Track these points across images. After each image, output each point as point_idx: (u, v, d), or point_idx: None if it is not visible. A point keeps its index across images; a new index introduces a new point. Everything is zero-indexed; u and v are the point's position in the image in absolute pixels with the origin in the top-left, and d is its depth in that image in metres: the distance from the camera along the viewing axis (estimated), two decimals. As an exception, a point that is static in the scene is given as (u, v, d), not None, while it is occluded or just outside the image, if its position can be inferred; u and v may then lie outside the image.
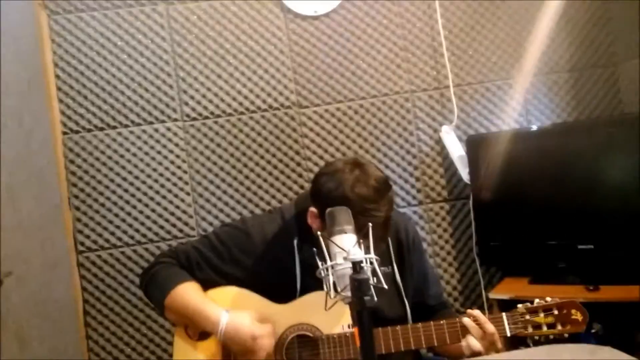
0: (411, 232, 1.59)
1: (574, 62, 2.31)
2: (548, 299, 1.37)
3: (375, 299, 0.93)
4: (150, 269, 1.55)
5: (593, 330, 1.84)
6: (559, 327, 1.34)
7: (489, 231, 2.16)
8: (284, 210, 1.57)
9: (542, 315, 1.35)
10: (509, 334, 1.36)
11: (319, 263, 1.04)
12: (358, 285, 0.93)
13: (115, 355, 2.16)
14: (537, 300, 1.37)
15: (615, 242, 1.91)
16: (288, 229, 1.51)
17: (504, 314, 1.37)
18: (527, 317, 1.35)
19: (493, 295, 1.99)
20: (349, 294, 0.96)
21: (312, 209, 1.42)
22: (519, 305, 1.38)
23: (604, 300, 1.80)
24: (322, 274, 1.02)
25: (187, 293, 1.46)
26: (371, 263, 0.99)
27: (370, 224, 1.12)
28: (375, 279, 0.97)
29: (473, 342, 1.34)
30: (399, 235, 1.56)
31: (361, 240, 1.02)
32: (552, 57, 2.31)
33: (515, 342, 1.82)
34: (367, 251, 1.00)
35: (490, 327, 1.34)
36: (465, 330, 1.37)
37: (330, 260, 1.02)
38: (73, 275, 2.13)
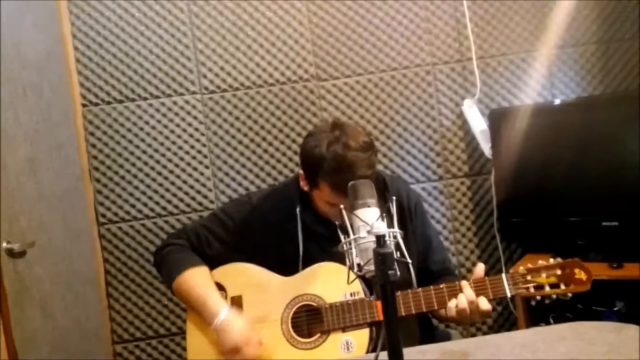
0: (413, 198, 1.60)
1: (601, 34, 2.24)
2: (551, 260, 1.34)
3: (398, 273, 0.92)
4: (162, 250, 1.60)
5: (616, 308, 1.82)
6: (562, 287, 1.32)
7: (511, 207, 2.13)
8: (287, 180, 1.65)
9: (544, 275, 1.33)
10: (509, 295, 1.35)
11: (342, 237, 1.03)
12: (382, 259, 0.92)
13: (136, 325, 2.20)
14: (540, 261, 1.35)
15: (641, 219, 1.87)
16: (290, 196, 1.54)
17: (503, 274, 1.36)
18: (529, 277, 1.33)
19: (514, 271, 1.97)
20: (371, 267, 0.95)
21: (300, 171, 1.48)
22: (520, 267, 1.36)
23: (627, 278, 1.77)
24: (345, 248, 1.01)
25: (193, 280, 1.50)
26: (395, 237, 0.99)
27: (394, 198, 1.11)
28: (398, 252, 0.96)
29: (461, 298, 1.34)
30: (401, 201, 1.57)
31: (384, 214, 1.01)
32: (579, 29, 2.23)
33: (535, 319, 1.82)
34: (390, 225, 0.99)
35: (484, 304, 1.33)
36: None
37: (353, 233, 1.01)
38: (95, 246, 2.16)
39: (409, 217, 1.57)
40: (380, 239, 0.94)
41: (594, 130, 2.01)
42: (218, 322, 1.42)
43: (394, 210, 1.04)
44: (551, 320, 1.84)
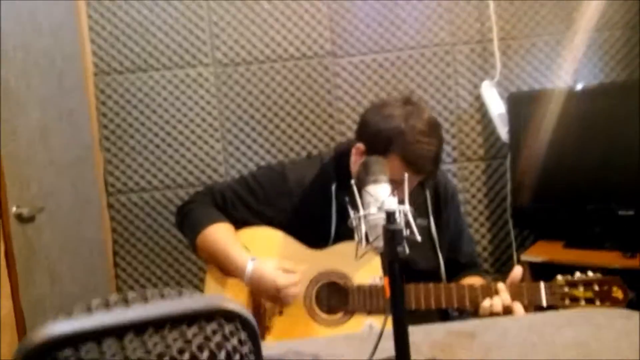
0: (450, 188, 1.57)
1: (628, 19, 2.17)
2: (590, 273, 1.31)
3: (407, 250, 0.90)
4: (186, 206, 1.56)
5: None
6: (598, 303, 1.28)
7: (525, 193, 2.09)
8: (323, 156, 1.56)
9: (581, 289, 1.29)
10: (544, 304, 1.31)
11: (351, 212, 1.01)
12: (391, 235, 0.90)
13: (143, 296, 2.21)
14: (577, 274, 1.31)
15: (659, 209, 1.83)
16: (326, 174, 1.49)
17: (542, 283, 1.32)
18: (566, 289, 1.29)
19: (525, 257, 1.94)
20: (381, 243, 0.94)
21: (359, 145, 1.40)
22: (559, 277, 1.32)
23: (641, 268, 1.74)
24: (354, 223, 0.99)
25: (218, 234, 1.46)
26: (405, 214, 0.96)
27: (406, 175, 1.09)
28: (408, 230, 0.94)
29: (496, 301, 1.30)
30: (438, 189, 1.53)
31: (395, 192, 0.99)
32: (605, 14, 2.16)
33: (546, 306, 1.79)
34: (401, 202, 0.97)
35: (519, 310, 1.30)
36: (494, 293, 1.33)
37: (364, 209, 0.99)
38: (103, 215, 2.17)
39: (444, 205, 1.53)
40: (390, 216, 0.92)
41: (613, 117, 1.96)
42: (247, 275, 1.38)
43: (405, 186, 1.01)
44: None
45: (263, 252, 1.45)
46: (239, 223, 1.51)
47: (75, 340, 0.36)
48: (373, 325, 1.36)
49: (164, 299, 0.40)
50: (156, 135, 2.18)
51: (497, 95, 2.14)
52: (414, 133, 1.30)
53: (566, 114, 2.01)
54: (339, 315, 1.39)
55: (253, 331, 0.40)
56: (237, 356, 0.38)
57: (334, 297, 1.41)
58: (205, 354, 0.37)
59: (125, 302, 0.39)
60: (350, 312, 1.38)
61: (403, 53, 2.18)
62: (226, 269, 1.45)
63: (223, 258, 1.44)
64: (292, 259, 1.43)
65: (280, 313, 1.41)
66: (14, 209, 1.54)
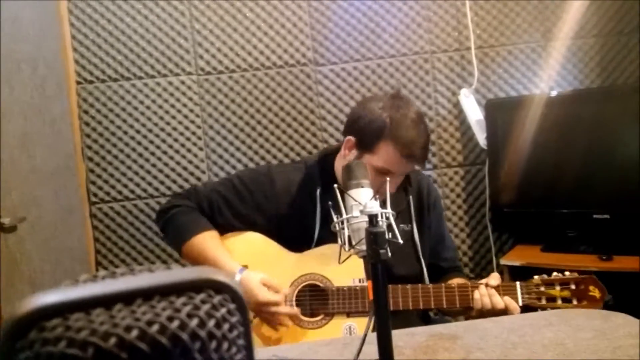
0: (433, 194, 1.60)
1: (600, 28, 2.24)
2: (567, 273, 1.33)
3: (389, 253, 0.92)
4: (170, 210, 1.55)
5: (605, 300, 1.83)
6: (575, 302, 1.30)
7: (503, 198, 2.14)
8: (308, 160, 1.59)
9: (558, 288, 1.32)
10: (520, 304, 1.33)
11: (334, 216, 1.03)
12: (374, 238, 0.92)
13: (126, 305, 2.20)
14: (554, 273, 1.34)
15: (632, 212, 1.89)
16: (311, 178, 1.52)
17: (518, 283, 1.35)
18: (542, 288, 1.32)
19: (504, 261, 1.98)
20: (364, 247, 0.95)
21: (350, 137, 1.44)
22: (535, 277, 1.35)
23: (616, 270, 1.78)
24: (337, 227, 1.01)
25: (206, 243, 1.47)
26: (387, 218, 0.98)
27: (388, 179, 1.11)
28: (390, 234, 0.96)
29: (483, 291, 1.34)
30: (422, 194, 1.57)
31: (377, 196, 1.01)
32: (579, 22, 2.23)
33: (525, 310, 1.82)
34: (383, 206, 0.99)
35: (499, 302, 1.33)
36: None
37: (347, 213, 1.01)
38: (85, 225, 2.15)
39: (427, 211, 1.56)
40: (372, 219, 0.94)
41: (588, 123, 2.02)
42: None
43: (387, 190, 1.04)
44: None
45: (245, 257, 1.47)
46: (221, 228, 1.51)
47: (62, 310, 0.36)
48: (353, 327, 1.38)
49: (152, 272, 0.41)
50: (139, 143, 2.18)
51: (474, 102, 2.19)
52: (405, 120, 1.37)
53: (542, 120, 2.06)
54: (320, 317, 1.41)
55: (242, 304, 0.41)
56: (227, 325, 0.39)
57: (315, 300, 1.43)
58: (195, 321, 0.37)
59: (113, 275, 0.40)
60: (330, 314, 1.40)
61: (383, 61, 2.21)
62: None
63: (211, 266, 1.45)
64: (274, 262, 1.45)
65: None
66: (-5, 218, 1.53)
